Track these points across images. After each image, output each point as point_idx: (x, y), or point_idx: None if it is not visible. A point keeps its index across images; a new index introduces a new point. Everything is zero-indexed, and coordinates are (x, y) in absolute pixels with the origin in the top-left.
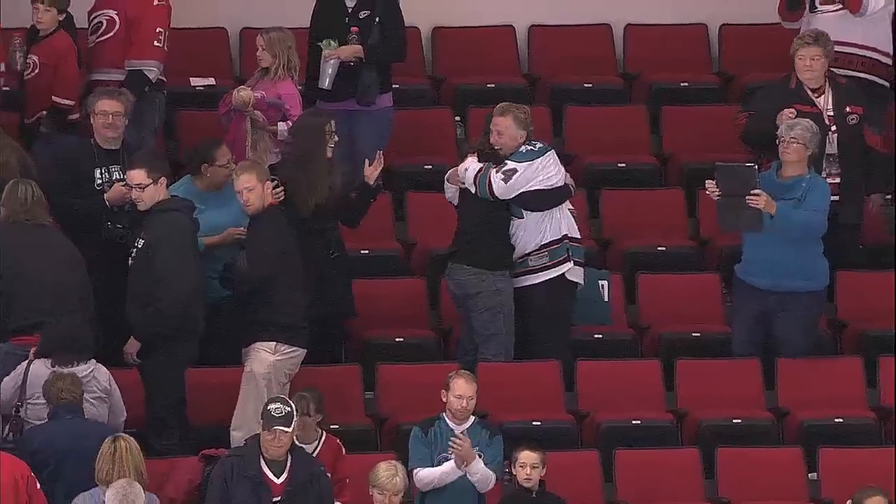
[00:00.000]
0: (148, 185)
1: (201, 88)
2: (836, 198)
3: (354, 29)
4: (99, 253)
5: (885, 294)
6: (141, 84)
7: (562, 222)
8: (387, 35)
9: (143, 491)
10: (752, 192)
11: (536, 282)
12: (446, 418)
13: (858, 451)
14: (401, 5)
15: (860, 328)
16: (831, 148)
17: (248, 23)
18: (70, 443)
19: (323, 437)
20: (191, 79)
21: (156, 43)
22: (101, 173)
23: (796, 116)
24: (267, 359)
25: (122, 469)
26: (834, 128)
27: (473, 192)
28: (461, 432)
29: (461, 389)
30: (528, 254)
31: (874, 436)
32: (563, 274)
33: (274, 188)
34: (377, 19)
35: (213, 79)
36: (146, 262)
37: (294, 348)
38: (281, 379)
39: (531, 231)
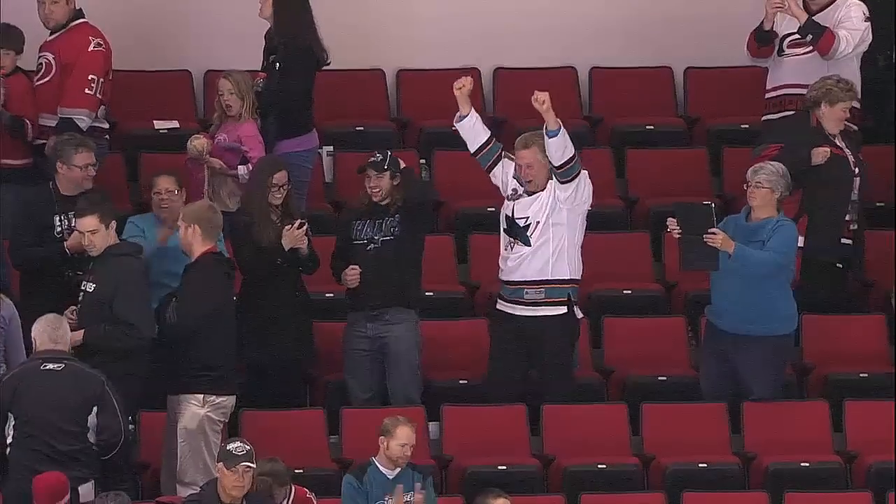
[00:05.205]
0: (99, 231)
1: (165, 131)
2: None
3: (262, 75)
4: (58, 301)
5: (850, 337)
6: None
7: (568, 264)
8: (279, 82)
9: (69, 330)
10: (709, 230)
11: (534, 314)
12: (378, 464)
13: (824, 495)
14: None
15: (826, 372)
16: (855, 195)
17: (213, 65)
18: None
19: (293, 492)
20: (154, 122)
21: (87, 91)
22: (61, 220)
23: (830, 156)
24: (197, 413)
25: None
26: (857, 170)
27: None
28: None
29: (407, 437)
30: (526, 284)
31: (840, 480)
32: (571, 313)
33: (298, 227)
34: (277, 66)
35: (176, 122)
36: (97, 306)
37: (223, 397)
38: (214, 427)
39: (535, 263)
